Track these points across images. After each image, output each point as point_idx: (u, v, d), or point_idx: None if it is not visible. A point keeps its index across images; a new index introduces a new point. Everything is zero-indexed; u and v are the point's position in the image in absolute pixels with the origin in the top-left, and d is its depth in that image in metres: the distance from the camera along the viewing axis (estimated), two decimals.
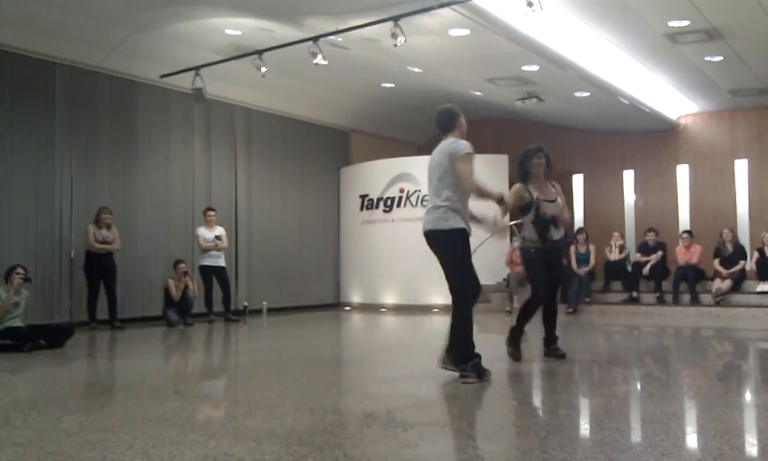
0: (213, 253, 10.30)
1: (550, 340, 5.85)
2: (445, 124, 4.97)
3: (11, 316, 7.14)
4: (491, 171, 12.46)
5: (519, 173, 5.82)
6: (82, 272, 9.44)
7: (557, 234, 5.73)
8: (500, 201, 4.97)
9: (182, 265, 9.95)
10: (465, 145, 4.79)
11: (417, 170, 12.71)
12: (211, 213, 10.52)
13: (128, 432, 3.48)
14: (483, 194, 4.85)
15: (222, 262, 10.44)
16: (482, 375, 4.66)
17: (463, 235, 4.78)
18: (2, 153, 8.88)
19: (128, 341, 8.21)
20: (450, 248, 4.77)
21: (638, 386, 5.07)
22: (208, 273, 10.31)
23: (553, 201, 5.73)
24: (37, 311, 8.69)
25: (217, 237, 10.35)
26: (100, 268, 9.28)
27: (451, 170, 4.74)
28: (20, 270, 7.29)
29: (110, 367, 6.57)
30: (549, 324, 5.85)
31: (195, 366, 6.79)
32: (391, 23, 7.98)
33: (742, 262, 10.85)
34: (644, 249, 11.61)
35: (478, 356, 4.73)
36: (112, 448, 3.16)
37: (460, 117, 4.99)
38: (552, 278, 5.70)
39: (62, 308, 9.31)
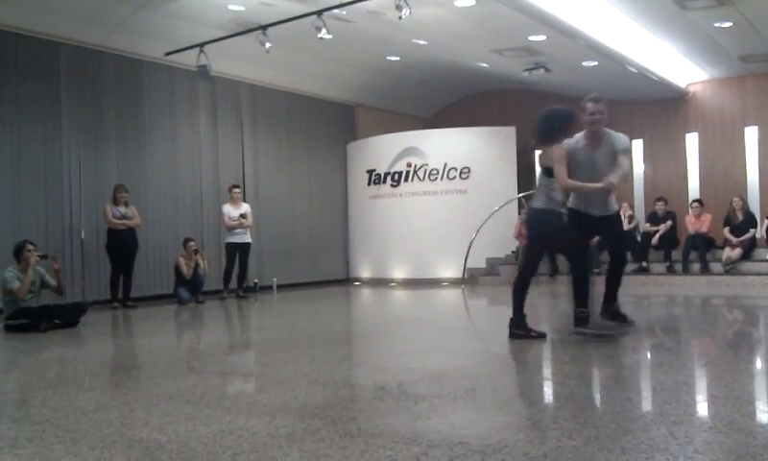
0: (239, 230, 10.35)
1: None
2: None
3: (30, 295, 7.19)
4: (498, 142, 12.47)
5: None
6: (93, 251, 9.51)
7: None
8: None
9: (192, 243, 10.00)
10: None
11: (424, 144, 12.66)
12: (236, 190, 10.58)
13: (143, 409, 3.53)
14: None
15: (248, 239, 10.54)
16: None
17: None
18: (9, 134, 8.89)
19: (140, 319, 8.29)
20: None
21: (649, 355, 5.08)
22: (234, 250, 10.38)
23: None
24: (50, 291, 8.76)
25: (242, 215, 10.39)
26: (125, 246, 9.32)
27: None
28: (30, 247, 7.29)
29: (124, 345, 6.65)
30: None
31: (208, 343, 6.84)
32: None
33: (752, 230, 10.79)
34: (653, 218, 11.56)
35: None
36: (129, 425, 3.21)
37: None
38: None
39: (75, 288, 9.37)
